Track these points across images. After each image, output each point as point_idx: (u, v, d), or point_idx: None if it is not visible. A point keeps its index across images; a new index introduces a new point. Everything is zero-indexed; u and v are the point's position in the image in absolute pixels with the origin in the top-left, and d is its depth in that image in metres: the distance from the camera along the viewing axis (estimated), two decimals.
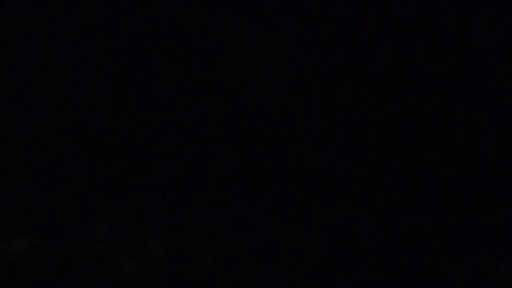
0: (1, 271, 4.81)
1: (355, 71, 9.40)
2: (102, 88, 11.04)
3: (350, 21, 9.14)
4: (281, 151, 11.33)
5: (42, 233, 6.40)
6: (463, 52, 9.03)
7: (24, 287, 4.71)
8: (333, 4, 9.00)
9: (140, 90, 11.39)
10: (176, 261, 4.89)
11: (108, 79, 10.56)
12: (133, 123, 11.19)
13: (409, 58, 9.44)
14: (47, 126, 11.04)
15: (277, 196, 10.47)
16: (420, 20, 8.72)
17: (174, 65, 9.85)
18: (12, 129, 10.85)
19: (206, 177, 11.32)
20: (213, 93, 11.16)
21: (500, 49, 8.82)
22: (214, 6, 9.32)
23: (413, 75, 9.33)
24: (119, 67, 10.36)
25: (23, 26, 8.93)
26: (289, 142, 11.07)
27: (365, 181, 10.96)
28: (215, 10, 9.32)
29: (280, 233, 6.85)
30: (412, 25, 8.91)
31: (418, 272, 4.76)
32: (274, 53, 9.41)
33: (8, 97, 10.50)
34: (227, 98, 11.09)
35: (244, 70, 9.98)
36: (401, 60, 9.73)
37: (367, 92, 9.18)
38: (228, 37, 9.94)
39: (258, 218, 7.72)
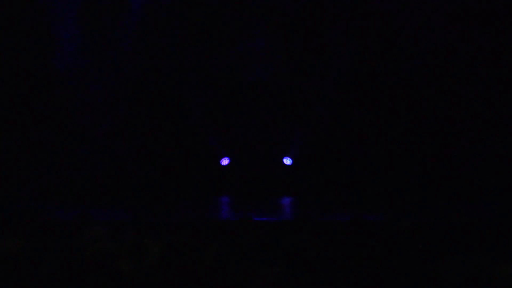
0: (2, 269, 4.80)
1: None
2: (105, 90, 11.04)
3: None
4: (278, 151, 11.32)
5: (40, 232, 6.39)
6: None
7: (23, 287, 4.70)
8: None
9: (145, 90, 11.40)
10: (175, 260, 4.88)
11: (113, 84, 10.63)
12: (134, 123, 11.20)
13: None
14: (48, 127, 11.05)
15: (276, 196, 10.47)
16: None
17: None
18: (12, 131, 10.85)
19: (206, 177, 11.32)
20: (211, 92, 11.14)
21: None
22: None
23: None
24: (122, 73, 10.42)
25: None
26: (290, 141, 11.04)
27: (364, 181, 10.96)
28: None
29: (280, 233, 6.85)
30: None
31: (418, 271, 4.76)
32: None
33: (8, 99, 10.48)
34: (228, 98, 11.08)
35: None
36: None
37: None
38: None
39: (258, 218, 7.72)
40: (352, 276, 5.01)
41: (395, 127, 10.62)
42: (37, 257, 5.10)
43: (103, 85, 10.89)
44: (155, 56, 10.99)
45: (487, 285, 4.89)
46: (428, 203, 9.56)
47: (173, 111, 11.23)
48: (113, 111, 10.92)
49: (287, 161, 11.12)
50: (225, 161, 11.12)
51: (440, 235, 5.73)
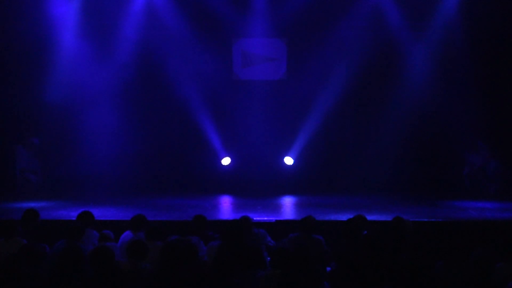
0: (2, 269, 4.81)
1: None
2: (106, 91, 11.02)
3: None
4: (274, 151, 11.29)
5: (41, 232, 6.41)
6: None
7: (25, 285, 4.71)
8: None
9: (146, 90, 11.36)
10: (175, 260, 4.89)
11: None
12: (136, 124, 11.19)
13: None
14: (51, 130, 11.03)
15: (275, 195, 10.47)
16: None
17: None
18: (13, 133, 10.84)
19: (206, 177, 11.28)
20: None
21: None
22: None
23: None
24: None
25: None
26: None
27: (362, 181, 10.92)
28: None
29: (280, 233, 6.86)
30: None
31: (418, 271, 4.76)
32: None
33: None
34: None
35: None
36: None
37: None
38: None
39: (258, 218, 7.73)
40: (353, 275, 5.02)
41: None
42: (37, 257, 5.11)
43: (104, 85, 10.89)
44: (156, 56, 11.00)
45: (487, 285, 4.90)
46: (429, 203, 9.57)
47: (174, 111, 11.23)
48: (115, 111, 10.92)
49: (289, 161, 11.07)
50: (226, 161, 11.07)
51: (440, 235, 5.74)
